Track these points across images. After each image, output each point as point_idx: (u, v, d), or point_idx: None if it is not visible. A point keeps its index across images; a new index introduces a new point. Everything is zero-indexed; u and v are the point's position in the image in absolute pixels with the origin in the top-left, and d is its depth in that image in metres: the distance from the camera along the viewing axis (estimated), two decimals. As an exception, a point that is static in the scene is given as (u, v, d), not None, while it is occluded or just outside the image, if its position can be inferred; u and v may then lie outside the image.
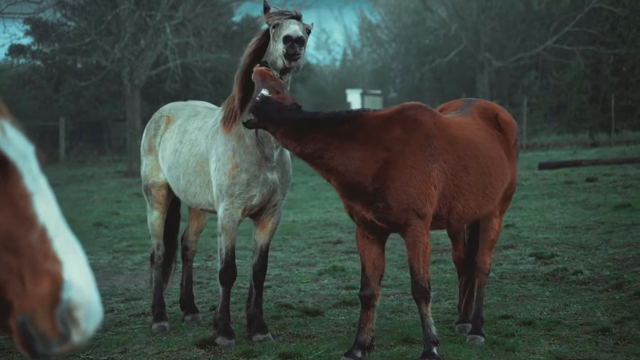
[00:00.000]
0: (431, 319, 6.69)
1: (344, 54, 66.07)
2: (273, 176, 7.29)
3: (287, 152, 7.44)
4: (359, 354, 6.74)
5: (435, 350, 6.58)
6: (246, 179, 7.22)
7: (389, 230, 6.75)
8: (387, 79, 57.33)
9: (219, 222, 7.39)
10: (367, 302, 6.77)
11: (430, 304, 6.69)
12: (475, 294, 7.54)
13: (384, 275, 10.06)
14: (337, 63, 67.29)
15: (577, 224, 13.51)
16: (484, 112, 7.28)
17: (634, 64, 38.73)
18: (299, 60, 6.89)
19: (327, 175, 6.56)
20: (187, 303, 8.57)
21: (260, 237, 7.60)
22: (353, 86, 53.77)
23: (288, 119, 6.34)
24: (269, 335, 7.52)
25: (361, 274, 6.87)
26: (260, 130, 7.05)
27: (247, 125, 6.53)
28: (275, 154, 7.32)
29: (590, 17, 41.91)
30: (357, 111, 6.72)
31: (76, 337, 2.21)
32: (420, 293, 6.63)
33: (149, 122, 8.51)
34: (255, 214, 7.53)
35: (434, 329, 6.66)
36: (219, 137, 7.39)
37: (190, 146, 7.76)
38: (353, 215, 6.73)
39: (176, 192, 8.05)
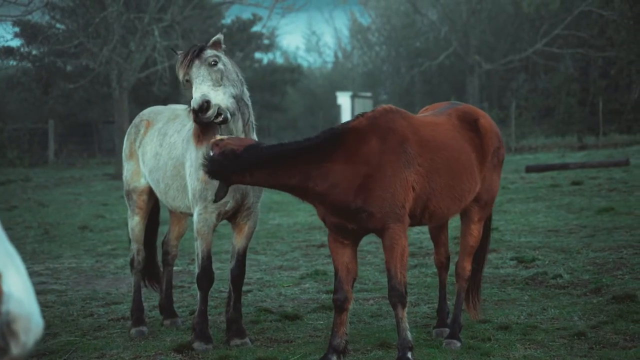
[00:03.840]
0: (407, 323, 6.71)
1: (335, 56, 66.17)
2: None
3: None
4: (333, 358, 6.77)
5: (409, 355, 6.61)
6: (217, 184, 7.23)
7: (363, 234, 6.79)
8: (378, 81, 57.39)
9: (194, 226, 7.43)
10: (340, 306, 6.80)
11: (406, 309, 6.71)
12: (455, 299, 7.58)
13: (364, 279, 10.17)
14: (329, 65, 67.39)
15: (560, 227, 13.56)
16: (463, 114, 7.29)
17: (622, 67, 38.84)
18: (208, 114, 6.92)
19: (312, 200, 6.57)
20: (167, 307, 8.58)
21: (238, 240, 7.61)
22: (343, 88, 53.80)
23: (249, 162, 6.33)
24: (247, 339, 7.53)
25: (334, 278, 6.90)
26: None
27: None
28: None
29: (580, 20, 42.08)
30: (328, 132, 6.60)
31: (15, 350, 2.21)
32: (397, 297, 6.65)
33: (130, 127, 8.52)
34: (231, 217, 7.54)
35: (409, 334, 6.68)
36: (192, 142, 7.41)
37: (169, 149, 7.78)
38: (327, 221, 6.75)
39: (158, 196, 8.07)
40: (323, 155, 6.43)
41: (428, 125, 6.98)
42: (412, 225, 7.06)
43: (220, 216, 7.39)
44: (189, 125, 7.67)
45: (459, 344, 7.18)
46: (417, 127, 6.82)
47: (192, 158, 7.38)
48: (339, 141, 6.50)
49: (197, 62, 7.05)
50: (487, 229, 7.84)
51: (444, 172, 6.83)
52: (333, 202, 6.47)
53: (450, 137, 7.01)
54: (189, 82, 7.11)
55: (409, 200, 6.59)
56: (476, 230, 7.44)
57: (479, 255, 7.76)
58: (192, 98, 6.95)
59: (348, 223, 6.57)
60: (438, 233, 7.83)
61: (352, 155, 6.47)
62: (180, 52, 7.32)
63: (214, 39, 7.26)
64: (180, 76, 7.13)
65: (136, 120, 8.45)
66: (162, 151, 7.87)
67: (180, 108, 8.41)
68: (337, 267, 6.83)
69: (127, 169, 8.37)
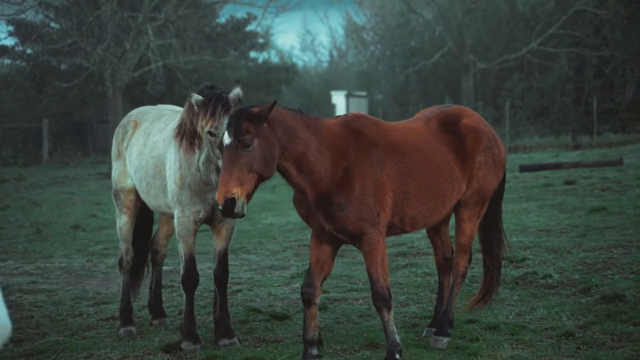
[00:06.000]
0: (394, 326, 6.73)
1: (330, 55, 66.18)
2: (213, 194, 7.31)
3: None
4: (314, 351, 6.83)
5: (397, 356, 6.62)
6: (189, 193, 7.28)
7: (342, 240, 6.79)
8: (373, 80, 57.39)
9: (175, 229, 7.45)
10: (308, 299, 6.83)
11: (392, 312, 6.71)
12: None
13: (354, 279, 10.17)
14: (324, 64, 67.39)
15: (552, 227, 13.56)
16: (445, 117, 7.28)
17: (616, 67, 38.86)
18: None
19: (306, 181, 6.53)
20: (156, 307, 8.57)
21: (217, 242, 7.62)
22: (338, 88, 53.80)
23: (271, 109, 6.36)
24: (235, 339, 7.54)
25: (307, 271, 6.94)
26: (202, 158, 7.08)
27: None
28: (214, 178, 7.27)
29: (575, 19, 42.08)
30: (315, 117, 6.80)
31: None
32: (381, 301, 6.68)
33: (118, 127, 8.51)
34: (209, 222, 7.55)
35: (397, 337, 6.70)
36: (173, 144, 7.42)
37: (151, 148, 7.81)
38: (310, 221, 6.77)
39: (141, 195, 8.07)
40: (318, 134, 6.55)
41: (398, 130, 7.04)
42: (396, 234, 7.08)
43: (198, 221, 7.41)
44: (172, 124, 7.68)
45: (445, 340, 7.17)
46: (386, 132, 6.89)
47: (172, 160, 7.39)
48: (326, 128, 6.65)
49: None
50: (497, 231, 7.80)
51: (417, 174, 6.86)
52: (321, 189, 6.51)
53: (423, 140, 7.03)
54: (213, 135, 6.90)
55: (385, 207, 6.64)
56: (468, 228, 7.38)
57: (491, 256, 7.74)
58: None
59: (327, 222, 6.59)
60: (434, 234, 7.79)
61: (334, 146, 6.60)
62: (195, 94, 7.05)
63: (235, 93, 7.07)
64: (207, 127, 6.88)
65: (124, 120, 8.46)
66: (145, 150, 7.90)
67: (167, 108, 8.40)
68: (312, 261, 6.88)
69: (115, 168, 8.39)
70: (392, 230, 6.88)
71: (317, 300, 6.88)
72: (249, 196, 6.21)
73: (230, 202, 6.09)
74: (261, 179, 6.29)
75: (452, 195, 7.09)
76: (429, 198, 6.92)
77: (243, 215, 6.22)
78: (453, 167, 7.07)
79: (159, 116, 8.14)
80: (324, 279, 6.92)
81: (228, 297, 8.45)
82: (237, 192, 6.10)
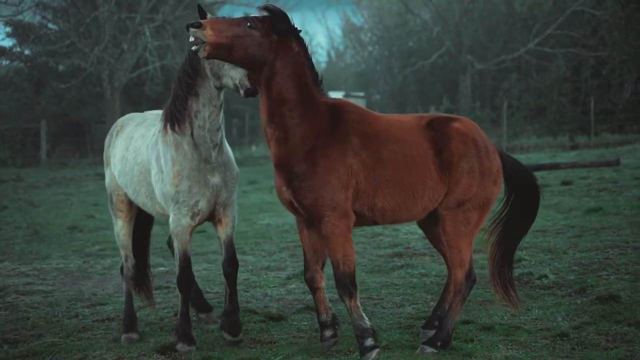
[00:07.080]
0: (361, 312, 6.75)
1: (328, 55, 66.22)
2: (214, 179, 7.34)
3: (228, 151, 7.57)
4: (328, 333, 7.03)
5: (371, 341, 6.69)
6: (188, 186, 7.27)
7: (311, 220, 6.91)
8: (371, 81, 57.43)
9: (170, 228, 7.44)
10: (311, 285, 7.06)
11: (356, 298, 6.74)
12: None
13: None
14: (322, 65, 67.40)
15: (548, 227, 13.57)
16: (438, 118, 7.20)
17: (614, 67, 38.89)
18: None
19: (273, 133, 6.70)
20: (198, 300, 8.49)
21: (221, 231, 7.59)
22: (336, 88, 53.84)
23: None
24: (237, 339, 7.50)
25: (303, 258, 7.10)
26: (196, 132, 7.21)
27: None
28: (214, 154, 7.33)
29: (572, 19, 42.15)
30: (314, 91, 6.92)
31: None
32: (342, 288, 6.72)
33: (108, 133, 8.51)
34: (210, 217, 7.53)
35: (365, 322, 6.74)
36: (159, 148, 7.44)
37: (134, 154, 7.81)
38: (275, 184, 6.96)
39: (131, 198, 8.06)
40: (309, 104, 6.70)
41: (384, 121, 7.05)
42: (365, 224, 7.09)
43: (196, 217, 7.38)
44: (154, 130, 7.69)
45: (429, 350, 7.02)
46: (369, 122, 6.92)
47: (161, 164, 7.39)
48: (316, 100, 6.77)
49: None
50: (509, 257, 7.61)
51: (390, 164, 6.83)
52: (282, 151, 6.67)
53: (406, 133, 7.00)
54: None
55: (348, 193, 6.68)
56: (453, 241, 7.07)
57: (504, 255, 7.57)
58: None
59: (287, 188, 6.70)
60: (440, 246, 7.65)
61: (313, 122, 6.71)
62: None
63: None
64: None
65: (112, 127, 8.49)
66: (128, 155, 7.90)
67: (152, 113, 8.38)
68: (304, 248, 7.07)
69: (107, 173, 8.36)
70: (362, 220, 6.90)
71: (322, 285, 7.05)
72: (210, 46, 6.42)
73: (197, 24, 6.42)
74: (228, 50, 6.50)
75: (424, 192, 6.93)
76: (399, 191, 6.87)
77: (192, 46, 6.48)
78: (430, 164, 6.94)
79: (142, 121, 8.17)
80: (323, 263, 7.06)
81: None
82: (209, 32, 6.41)
